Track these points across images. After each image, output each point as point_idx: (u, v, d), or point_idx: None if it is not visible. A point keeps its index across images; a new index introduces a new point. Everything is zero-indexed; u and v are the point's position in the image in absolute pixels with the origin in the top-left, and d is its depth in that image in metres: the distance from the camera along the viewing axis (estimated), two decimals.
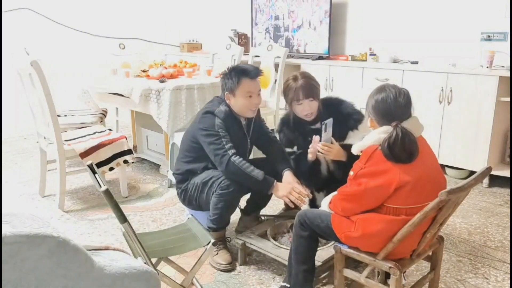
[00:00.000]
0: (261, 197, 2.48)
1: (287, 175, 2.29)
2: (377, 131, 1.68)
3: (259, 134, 2.50)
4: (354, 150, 1.76)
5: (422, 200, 1.59)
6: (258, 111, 2.50)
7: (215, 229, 2.32)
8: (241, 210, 2.61)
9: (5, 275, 0.88)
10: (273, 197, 2.32)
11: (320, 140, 2.14)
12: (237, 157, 2.19)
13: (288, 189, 2.19)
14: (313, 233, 1.88)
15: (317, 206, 2.19)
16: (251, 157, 2.59)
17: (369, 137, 1.70)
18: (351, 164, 1.76)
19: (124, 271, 1.15)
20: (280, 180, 2.28)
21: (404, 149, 1.58)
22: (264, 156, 2.55)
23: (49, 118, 2.81)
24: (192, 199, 2.38)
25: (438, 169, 1.73)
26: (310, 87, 2.25)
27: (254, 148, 2.59)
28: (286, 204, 2.66)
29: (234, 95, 2.29)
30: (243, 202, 2.62)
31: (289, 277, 1.99)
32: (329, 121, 2.14)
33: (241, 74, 2.28)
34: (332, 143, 2.18)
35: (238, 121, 2.37)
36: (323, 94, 4.24)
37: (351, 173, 1.70)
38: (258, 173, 2.18)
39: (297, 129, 2.38)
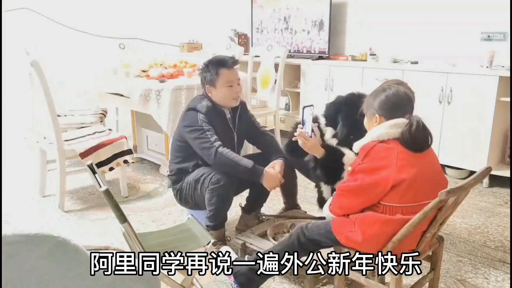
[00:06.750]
0: (260, 192, 2.48)
1: (277, 164, 2.30)
2: (378, 127, 1.68)
3: (247, 128, 2.51)
4: (355, 148, 1.76)
5: (419, 199, 1.59)
6: (244, 105, 2.51)
7: (213, 226, 2.32)
8: (242, 208, 2.61)
9: (5, 275, 0.88)
10: (273, 197, 2.32)
11: (303, 125, 2.04)
12: (224, 148, 2.21)
13: (276, 180, 2.24)
14: (308, 250, 1.79)
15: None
16: (249, 153, 2.59)
17: (369, 133, 1.70)
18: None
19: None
20: None
21: (425, 135, 1.62)
22: (259, 151, 2.57)
23: (49, 118, 2.81)
24: (188, 198, 2.39)
25: (438, 169, 1.72)
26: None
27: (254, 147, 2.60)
28: (285, 203, 2.67)
29: (215, 87, 2.32)
30: (243, 200, 2.62)
31: (236, 271, 1.92)
32: (308, 108, 2.03)
33: (218, 65, 2.31)
34: (310, 136, 2.03)
35: (222, 115, 2.38)
36: (322, 94, 4.29)
37: (349, 168, 1.71)
38: (247, 162, 2.20)
39: (352, 119, 2.07)
